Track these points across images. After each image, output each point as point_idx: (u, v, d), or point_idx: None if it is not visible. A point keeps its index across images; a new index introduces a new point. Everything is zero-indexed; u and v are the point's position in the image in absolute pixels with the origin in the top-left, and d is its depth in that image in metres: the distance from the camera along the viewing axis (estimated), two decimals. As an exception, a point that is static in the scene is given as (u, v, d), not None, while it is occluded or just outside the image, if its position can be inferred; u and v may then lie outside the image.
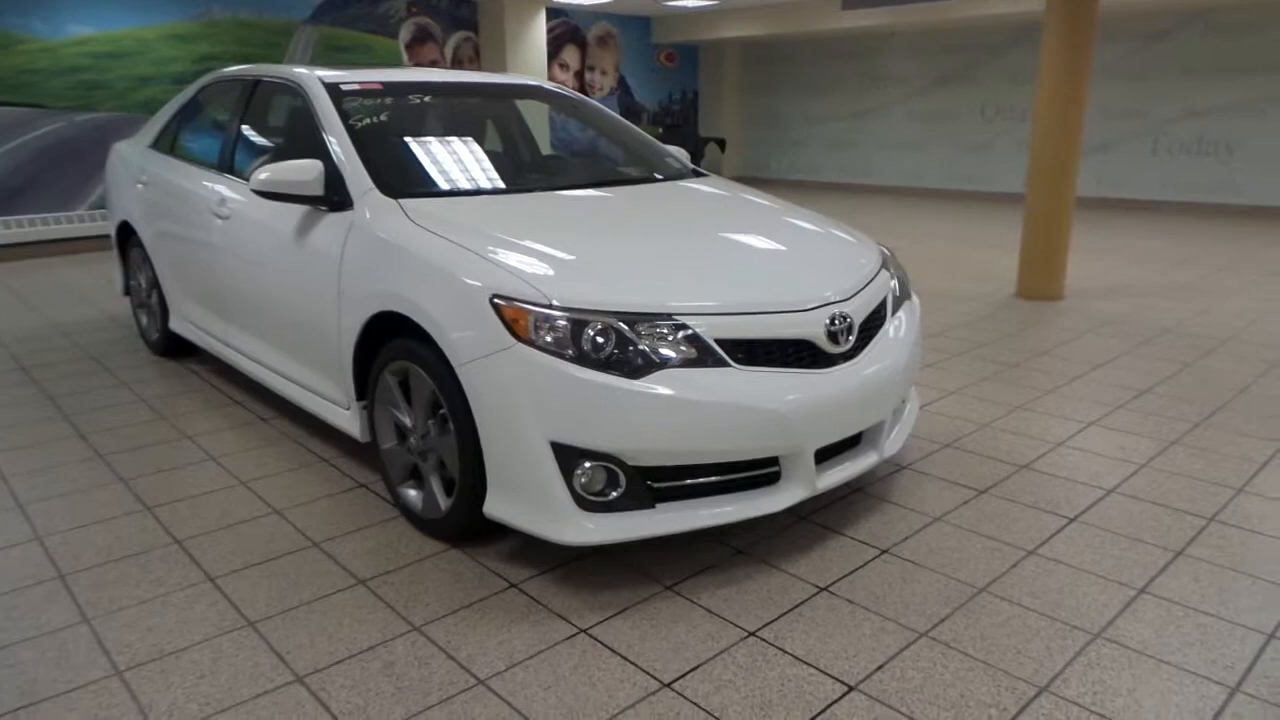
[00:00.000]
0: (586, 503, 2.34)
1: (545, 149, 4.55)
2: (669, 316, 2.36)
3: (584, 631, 2.27)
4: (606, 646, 2.21)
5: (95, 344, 5.00)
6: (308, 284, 3.08)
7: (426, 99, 3.69)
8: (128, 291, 4.99)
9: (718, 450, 2.37)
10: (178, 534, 2.79)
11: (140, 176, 4.47)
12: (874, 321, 2.80)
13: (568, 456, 2.30)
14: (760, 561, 2.61)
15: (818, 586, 2.48)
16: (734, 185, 3.73)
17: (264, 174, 2.95)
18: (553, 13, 11.52)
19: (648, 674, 2.09)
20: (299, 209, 3.14)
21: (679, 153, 4.08)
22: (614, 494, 2.35)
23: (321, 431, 3.64)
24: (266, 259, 3.34)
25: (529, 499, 2.37)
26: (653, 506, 2.38)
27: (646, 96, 13.03)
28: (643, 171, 3.79)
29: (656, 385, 2.28)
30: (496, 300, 2.36)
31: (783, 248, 2.91)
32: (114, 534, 2.78)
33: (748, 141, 14.08)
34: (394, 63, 9.95)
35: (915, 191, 12.56)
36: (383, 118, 3.49)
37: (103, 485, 3.15)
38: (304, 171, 2.95)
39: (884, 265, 3.06)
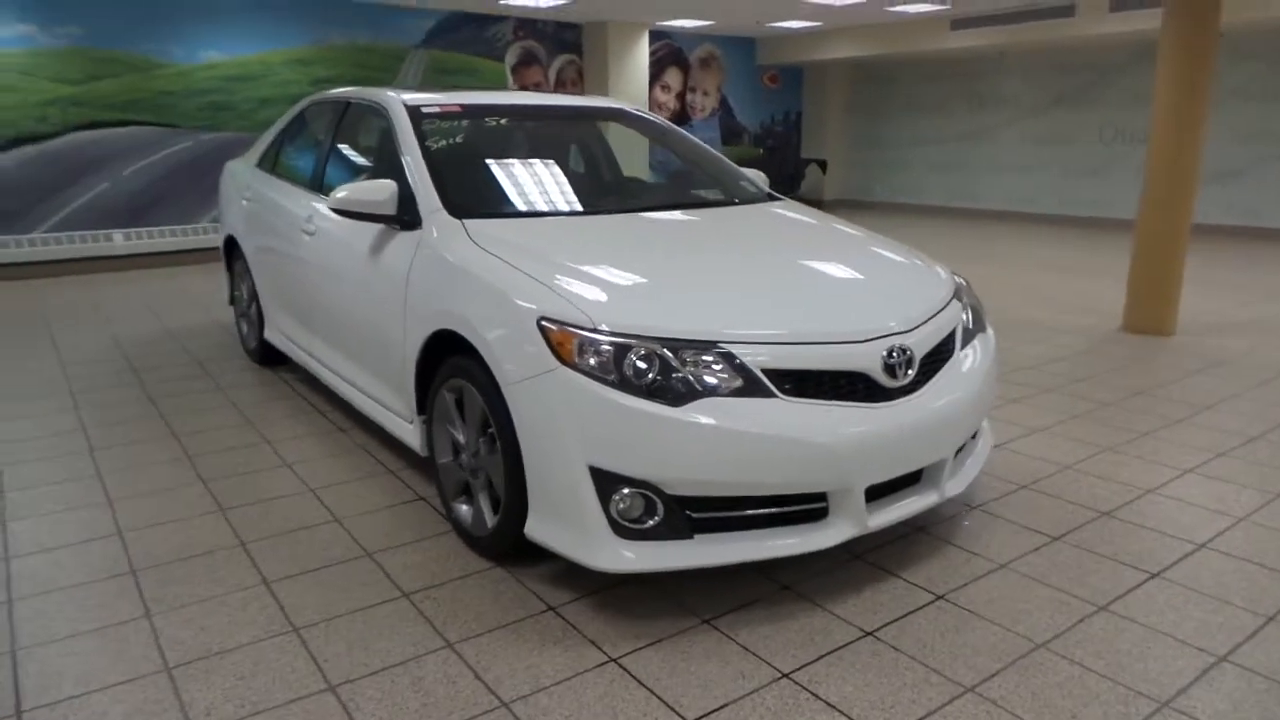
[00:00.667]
0: (623, 529, 2.31)
1: (641, 171, 4.54)
2: (714, 344, 2.32)
3: (614, 660, 2.24)
4: (634, 678, 2.17)
5: (202, 349, 5.31)
6: (379, 300, 3.18)
7: (505, 121, 3.77)
8: (233, 301, 5.28)
9: (759, 483, 2.30)
10: (244, 536, 2.91)
11: (245, 193, 4.74)
12: (940, 355, 2.68)
13: (606, 482, 2.28)
14: (805, 599, 2.52)
15: (863, 630, 2.37)
16: (809, 210, 3.65)
17: (342, 192, 3.08)
18: (656, 35, 11.64)
19: (671, 709, 2.05)
20: (375, 227, 3.25)
21: (757, 176, 4.03)
22: (651, 522, 2.31)
23: (391, 443, 3.74)
24: (345, 275, 3.47)
25: (567, 522, 2.36)
26: (691, 537, 2.34)
27: (748, 117, 12.98)
28: (718, 195, 3.76)
29: (697, 414, 2.24)
30: (544, 322, 2.38)
31: (847, 276, 2.83)
32: (188, 533, 2.93)
33: (851, 163, 13.84)
34: (499, 85, 10.24)
35: (1025, 216, 12.04)
36: (459, 139, 3.59)
37: (186, 485, 3.32)
38: (378, 191, 3.06)
39: (956, 296, 2.93)
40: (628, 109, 4.15)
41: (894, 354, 2.48)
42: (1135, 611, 2.44)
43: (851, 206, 13.48)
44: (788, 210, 3.59)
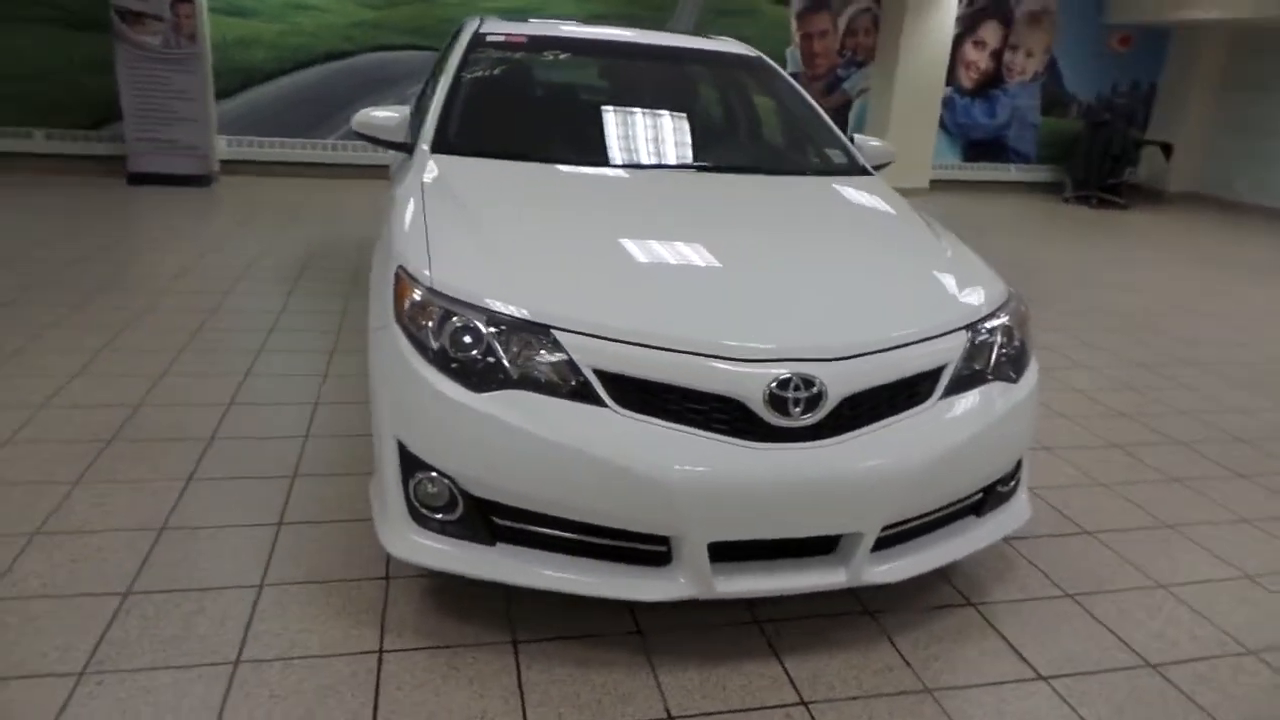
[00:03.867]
0: (422, 517, 2.06)
1: (759, 126, 3.97)
2: (545, 329, 1.95)
3: (379, 653, 2.04)
4: (377, 679, 1.95)
5: (379, 258, 5.72)
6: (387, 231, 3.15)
7: (582, 57, 3.49)
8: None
9: (565, 503, 1.92)
10: (220, 433, 3.08)
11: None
12: (903, 396, 2.04)
13: (409, 460, 2.04)
14: (640, 654, 2.09)
15: (667, 713, 1.91)
16: (882, 192, 2.95)
17: (360, 114, 3.05)
18: (979, -16, 10.24)
19: (364, 727, 1.81)
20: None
21: (865, 146, 3.33)
22: (450, 517, 2.04)
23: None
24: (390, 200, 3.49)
25: (378, 493, 2.16)
26: (492, 544, 2.03)
27: (1081, 85, 11.02)
28: (784, 162, 3.20)
29: (496, 406, 1.91)
30: (400, 271, 2.16)
31: (804, 277, 2.24)
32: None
33: (1209, 151, 11.23)
34: (778, 31, 9.71)
35: None
36: (500, 72, 3.38)
37: (222, 375, 3.59)
38: (389, 117, 2.99)
39: (976, 324, 2.19)
40: (738, 52, 3.63)
41: (795, 385, 1.91)
42: (1048, 814, 1.70)
43: (1204, 204, 11.00)
44: (849, 188, 2.94)
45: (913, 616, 2.30)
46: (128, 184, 7.42)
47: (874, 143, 3.44)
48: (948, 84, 10.29)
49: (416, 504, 2.05)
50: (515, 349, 1.95)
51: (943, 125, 10.50)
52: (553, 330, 1.94)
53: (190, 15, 7.33)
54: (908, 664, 2.12)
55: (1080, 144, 10.58)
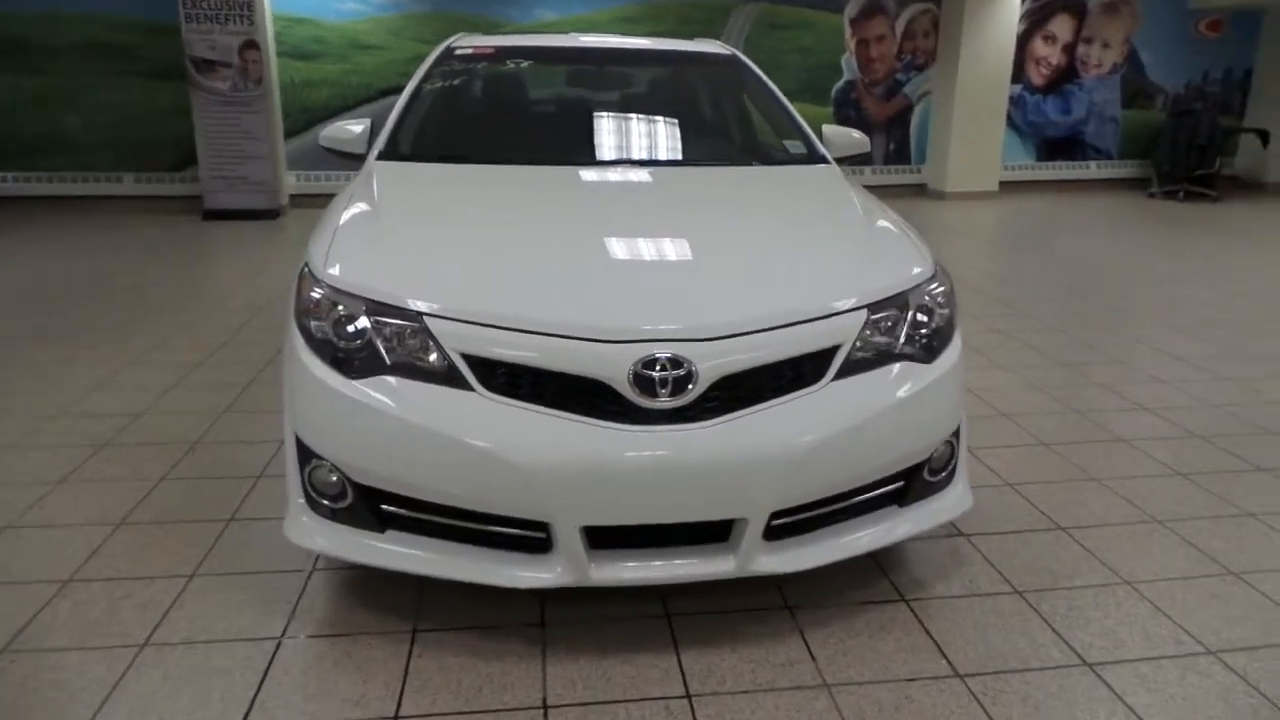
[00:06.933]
0: (318, 505, 2.10)
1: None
2: (418, 316, 1.97)
3: (281, 638, 2.09)
4: (268, 664, 2.00)
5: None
6: None
7: (536, 64, 3.55)
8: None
9: (442, 491, 1.93)
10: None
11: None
12: (777, 378, 1.96)
13: (304, 448, 2.10)
14: (536, 645, 2.07)
15: (543, 703, 1.88)
16: (827, 179, 2.87)
17: (327, 129, 3.17)
18: (1047, -23, 9.83)
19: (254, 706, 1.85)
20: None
21: (836, 138, 3.23)
22: (341, 505, 2.07)
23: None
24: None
25: (287, 480, 2.22)
26: (382, 532, 2.05)
27: (1166, 74, 10.37)
28: (723, 153, 3.18)
29: (367, 392, 1.94)
30: (304, 268, 2.24)
31: (698, 260, 2.21)
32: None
33: (1318, 137, 10.32)
34: (832, 39, 9.57)
35: None
36: (460, 81, 3.46)
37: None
38: (351, 130, 3.10)
39: (880, 302, 2.09)
40: (710, 50, 3.60)
41: (661, 365, 1.87)
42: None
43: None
44: (792, 176, 2.88)
45: (835, 612, 2.19)
46: (202, 220, 7.93)
47: (854, 135, 3.33)
48: (1016, 82, 9.90)
49: (312, 492, 2.10)
50: (390, 336, 1.98)
51: (1013, 125, 10.09)
52: (424, 317, 1.96)
53: (257, 61, 7.81)
54: (813, 658, 2.02)
55: (1164, 135, 9.95)
